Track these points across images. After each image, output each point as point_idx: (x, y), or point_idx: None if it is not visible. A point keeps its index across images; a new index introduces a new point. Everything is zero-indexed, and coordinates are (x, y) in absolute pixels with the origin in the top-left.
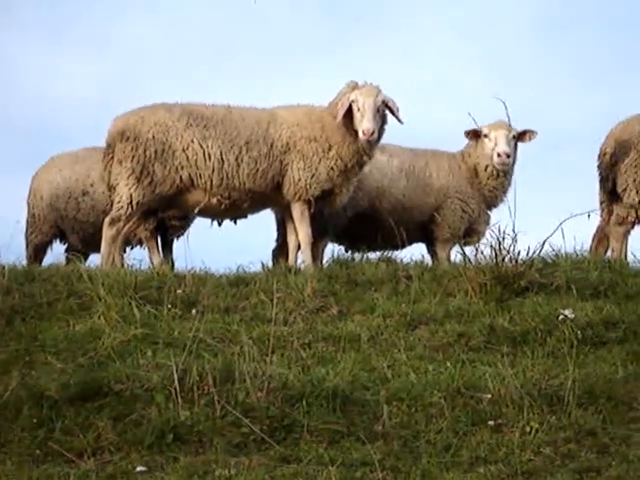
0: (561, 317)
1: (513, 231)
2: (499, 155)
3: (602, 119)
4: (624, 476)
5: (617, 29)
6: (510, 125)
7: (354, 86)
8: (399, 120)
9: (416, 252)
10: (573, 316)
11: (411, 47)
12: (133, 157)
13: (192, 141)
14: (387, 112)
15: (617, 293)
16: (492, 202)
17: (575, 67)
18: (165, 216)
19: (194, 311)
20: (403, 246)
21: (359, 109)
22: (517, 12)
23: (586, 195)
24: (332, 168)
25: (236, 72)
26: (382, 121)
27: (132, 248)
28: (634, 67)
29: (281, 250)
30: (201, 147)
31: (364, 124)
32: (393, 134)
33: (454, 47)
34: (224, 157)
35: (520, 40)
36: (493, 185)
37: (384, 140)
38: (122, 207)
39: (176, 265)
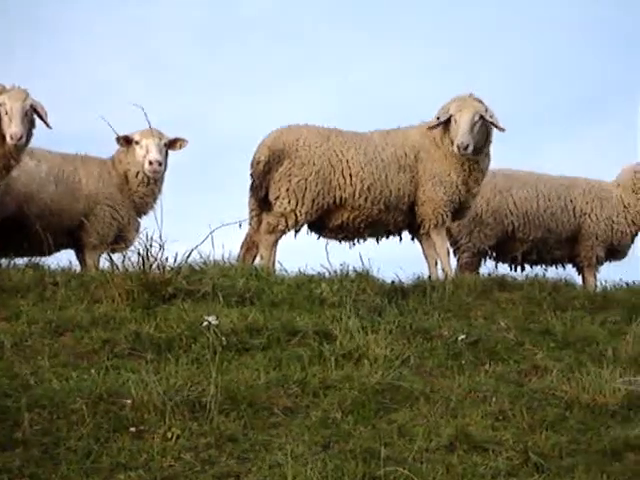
0: (205, 324)
1: (161, 238)
2: (150, 163)
3: (259, 129)
4: None
5: (280, 37)
6: (161, 133)
7: (2, 90)
8: (47, 124)
9: (64, 258)
10: (217, 322)
11: (71, 51)
12: None
13: None
14: (35, 116)
15: (262, 300)
16: (142, 209)
17: (235, 77)
18: None
19: None
20: (50, 252)
21: (7, 113)
22: (179, 20)
23: (240, 204)
24: None
25: None
26: (30, 125)
27: None
28: (293, 76)
29: None
30: None
31: (12, 128)
32: (44, 139)
33: (117, 52)
34: None
35: (181, 47)
36: (143, 192)
37: (34, 144)
38: None
39: None
